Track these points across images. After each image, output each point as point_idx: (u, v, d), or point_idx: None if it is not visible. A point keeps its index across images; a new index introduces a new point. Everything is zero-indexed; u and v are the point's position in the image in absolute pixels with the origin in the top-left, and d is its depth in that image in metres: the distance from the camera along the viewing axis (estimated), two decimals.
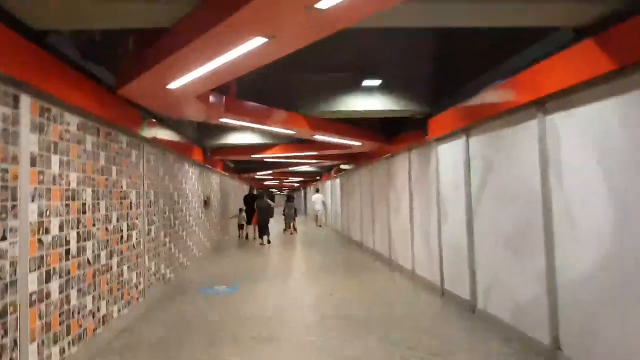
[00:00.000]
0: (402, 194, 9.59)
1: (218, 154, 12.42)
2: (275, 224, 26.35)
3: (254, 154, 12.26)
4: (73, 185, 4.45)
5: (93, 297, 4.82)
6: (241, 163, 18.00)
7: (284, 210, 22.44)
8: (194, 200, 10.82)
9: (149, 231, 6.91)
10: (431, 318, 6.04)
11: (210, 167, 13.05)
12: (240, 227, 17.55)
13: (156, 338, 5.29)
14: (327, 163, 16.59)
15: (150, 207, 7.01)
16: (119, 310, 5.54)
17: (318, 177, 26.48)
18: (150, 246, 6.94)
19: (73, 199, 4.45)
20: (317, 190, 25.48)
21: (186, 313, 6.41)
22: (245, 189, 25.41)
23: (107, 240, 5.27)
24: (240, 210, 17.64)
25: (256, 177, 23.50)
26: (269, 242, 15.39)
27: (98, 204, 5.03)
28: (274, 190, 57.15)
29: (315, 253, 13.74)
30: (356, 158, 13.73)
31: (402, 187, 9.50)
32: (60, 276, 4.14)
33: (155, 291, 7.13)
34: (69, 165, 4.39)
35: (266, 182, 34.07)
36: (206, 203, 12.26)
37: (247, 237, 17.16)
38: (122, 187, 5.79)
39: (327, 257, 12.71)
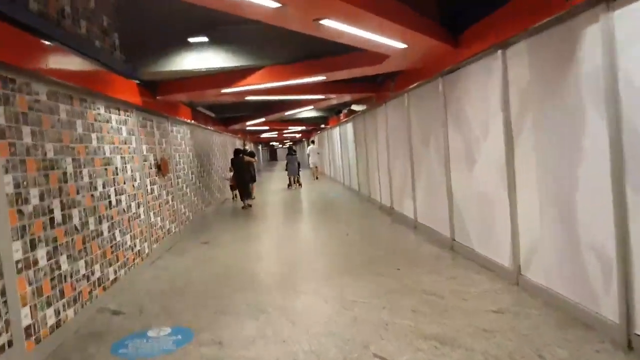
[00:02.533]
0: (482, 132, 5.30)
1: (170, 90, 7.99)
2: (279, 180, 22.49)
3: (225, 87, 7.80)
4: None
5: None
6: (221, 109, 13.57)
7: (286, 165, 19.48)
8: (130, 167, 6.59)
9: None
10: None
11: (165, 114, 8.74)
12: (232, 188, 15.30)
13: None
14: (335, 102, 12.20)
15: None
16: None
17: (323, 125, 21.87)
18: None
19: None
20: (313, 142, 23.11)
21: None
22: (240, 145, 21.46)
23: None
24: (230, 169, 14.18)
25: (247, 128, 19.21)
26: (249, 205, 13.29)
27: None
28: (274, 143, 53.20)
29: (330, 230, 9.47)
30: (380, 88, 9.33)
31: (484, 117, 5.20)
32: None
33: None
34: None
35: (263, 135, 29.71)
36: (161, 168, 8.06)
37: (234, 198, 15.35)
38: None
39: (352, 241, 8.48)
